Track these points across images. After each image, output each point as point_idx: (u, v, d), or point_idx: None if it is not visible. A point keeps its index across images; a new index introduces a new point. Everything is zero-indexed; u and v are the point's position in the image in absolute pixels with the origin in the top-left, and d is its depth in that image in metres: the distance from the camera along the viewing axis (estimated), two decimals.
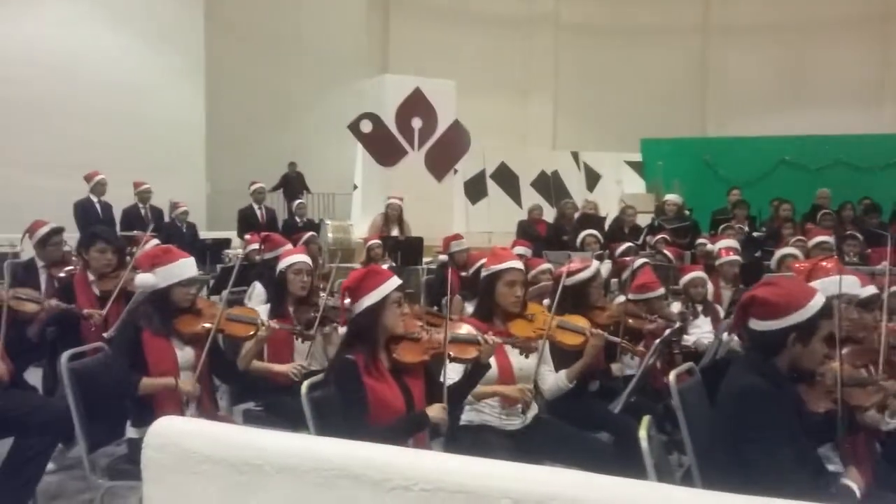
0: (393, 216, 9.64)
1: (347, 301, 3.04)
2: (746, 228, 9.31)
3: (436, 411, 2.80)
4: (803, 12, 17.24)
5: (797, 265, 3.44)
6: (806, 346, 2.44)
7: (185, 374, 3.29)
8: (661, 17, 18.18)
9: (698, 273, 5.19)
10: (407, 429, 2.80)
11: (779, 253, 5.63)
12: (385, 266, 5.05)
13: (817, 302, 2.45)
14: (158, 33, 13.01)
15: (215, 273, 7.26)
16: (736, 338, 3.61)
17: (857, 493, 2.35)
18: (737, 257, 5.92)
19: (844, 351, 2.88)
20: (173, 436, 1.80)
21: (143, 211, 9.84)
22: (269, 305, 4.13)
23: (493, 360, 3.18)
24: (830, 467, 2.76)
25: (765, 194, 11.08)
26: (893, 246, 4.26)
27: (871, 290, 3.48)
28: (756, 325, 2.49)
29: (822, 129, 14.83)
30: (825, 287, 2.92)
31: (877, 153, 13.55)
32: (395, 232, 9.50)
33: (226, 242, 9.26)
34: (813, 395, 2.57)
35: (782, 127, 15.57)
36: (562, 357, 3.60)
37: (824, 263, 3.13)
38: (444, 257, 7.48)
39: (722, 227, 8.86)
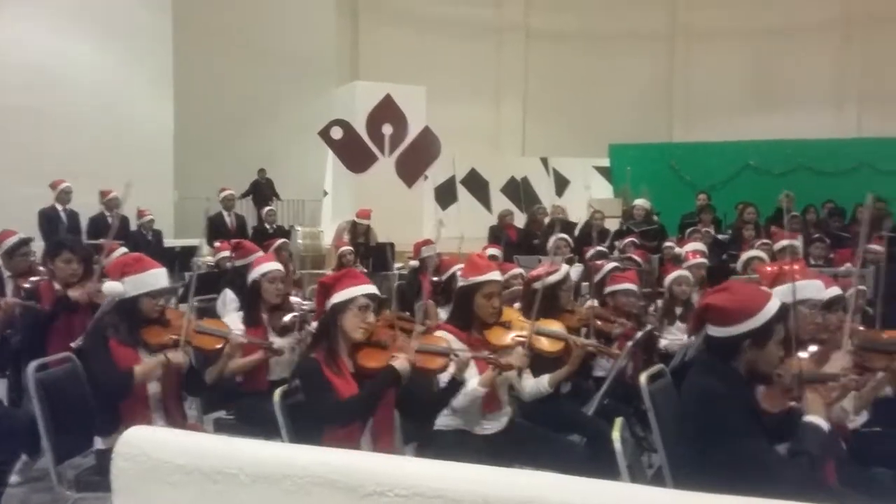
0: (361, 231, 9.65)
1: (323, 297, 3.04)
2: (712, 232, 9.44)
3: (402, 363, 2.82)
4: (767, 19, 17.55)
5: (763, 268, 3.50)
6: (762, 350, 2.46)
7: (152, 385, 3.24)
8: (629, 25, 18.38)
9: (682, 272, 5.23)
10: (376, 389, 2.81)
11: (745, 255, 5.72)
12: None
13: (772, 307, 2.47)
14: (126, 39, 12.83)
15: (184, 281, 7.18)
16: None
17: (824, 426, 2.35)
18: (703, 260, 6.00)
19: (810, 351, 2.93)
20: (143, 445, 1.78)
21: (110, 219, 9.70)
22: (241, 313, 4.10)
23: (474, 370, 3.18)
24: None
25: (730, 198, 11.24)
26: (854, 247, 4.35)
27: (835, 291, 3.54)
28: (712, 331, 2.52)
29: (785, 134, 15.10)
30: (787, 293, 2.97)
31: (839, 157, 13.83)
32: (360, 240, 9.50)
33: (194, 250, 9.16)
34: (771, 397, 2.60)
35: (747, 132, 15.82)
36: (537, 362, 3.61)
37: (789, 267, 3.18)
38: (415, 263, 7.48)
39: (689, 230, 8.98)
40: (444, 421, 3.31)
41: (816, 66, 17.63)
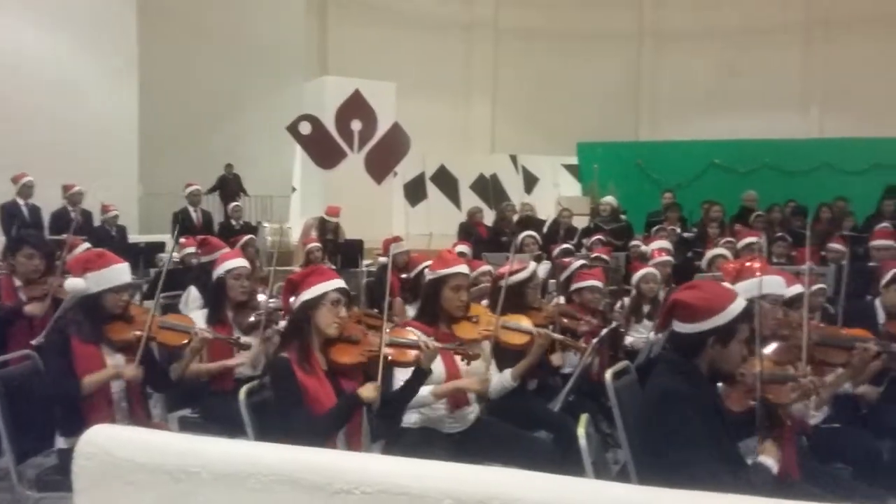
0: (330, 228, 9.60)
1: (292, 299, 3.01)
2: (678, 230, 9.56)
3: (368, 390, 2.79)
4: (733, 22, 17.80)
5: (726, 265, 3.55)
6: (725, 348, 2.50)
7: (115, 383, 3.20)
8: (597, 24, 18.52)
9: (650, 269, 5.29)
10: (341, 412, 2.79)
11: (710, 253, 5.80)
12: None
13: (737, 306, 2.51)
14: (89, 30, 12.62)
15: (148, 278, 7.09)
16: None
17: (774, 469, 2.40)
18: (669, 258, 6.07)
19: (771, 348, 2.98)
20: (105, 444, 1.75)
21: (72, 214, 9.53)
22: (205, 311, 4.05)
23: (440, 364, 3.19)
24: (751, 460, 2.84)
25: (695, 196, 11.38)
26: (814, 245, 4.43)
27: (797, 288, 3.60)
28: (678, 327, 2.56)
29: (750, 134, 15.34)
30: (750, 288, 3.02)
31: (802, 157, 14.08)
32: (328, 237, 9.45)
33: (160, 246, 9.06)
34: (733, 395, 2.64)
35: (712, 131, 16.03)
36: (503, 357, 3.64)
37: (750, 264, 3.24)
38: (384, 259, 7.47)
39: (655, 228, 9.08)
40: (410, 418, 3.32)
41: (780, 68, 17.94)
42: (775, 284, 3.15)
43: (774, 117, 17.21)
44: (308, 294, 2.87)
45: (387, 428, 3.09)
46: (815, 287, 4.17)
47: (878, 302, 4.14)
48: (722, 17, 17.88)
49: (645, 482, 2.52)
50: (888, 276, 4.06)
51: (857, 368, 3.18)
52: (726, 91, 18.04)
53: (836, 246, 7.32)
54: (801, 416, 3.06)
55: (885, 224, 8.71)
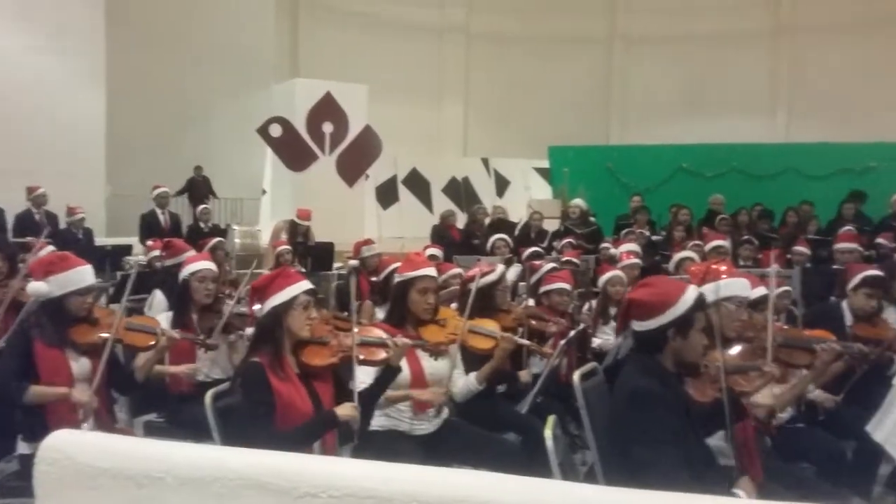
0: (300, 231, 9.53)
1: (256, 306, 2.98)
2: (647, 233, 9.65)
3: (346, 410, 2.78)
4: (701, 28, 18.05)
5: (692, 268, 3.60)
6: (686, 339, 2.56)
7: (80, 386, 3.16)
8: (568, 29, 18.67)
9: (616, 272, 5.33)
10: (316, 429, 2.77)
11: (677, 256, 5.87)
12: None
13: (690, 296, 2.57)
14: (57, 32, 12.39)
15: (115, 280, 6.99)
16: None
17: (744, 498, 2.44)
18: (637, 260, 6.12)
19: (736, 349, 3.03)
20: (68, 450, 1.73)
21: (37, 216, 9.38)
22: (170, 314, 4.00)
23: (404, 365, 3.18)
24: (724, 461, 2.88)
25: (664, 200, 11.48)
26: (780, 248, 4.51)
27: (761, 291, 3.65)
28: (638, 325, 2.61)
29: (717, 138, 15.52)
30: (715, 290, 3.06)
31: (769, 161, 14.25)
32: (299, 239, 9.38)
33: (127, 249, 8.94)
34: (699, 387, 2.69)
35: (681, 135, 16.21)
36: (471, 360, 3.64)
37: (716, 266, 3.28)
38: (354, 262, 7.44)
39: (624, 231, 9.15)
40: (378, 422, 3.31)
41: (748, 73, 18.22)
42: (740, 287, 3.20)
43: (742, 122, 17.48)
44: (278, 298, 2.84)
45: (354, 430, 3.08)
46: (780, 289, 4.22)
47: (844, 304, 4.21)
48: (691, 24, 18.12)
49: (612, 483, 2.54)
50: (856, 280, 4.13)
51: (819, 369, 3.24)
52: (695, 96, 18.28)
53: (800, 249, 7.44)
54: (765, 420, 3.11)
55: (848, 227, 8.88)
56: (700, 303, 2.60)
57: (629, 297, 2.66)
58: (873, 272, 4.21)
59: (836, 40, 17.47)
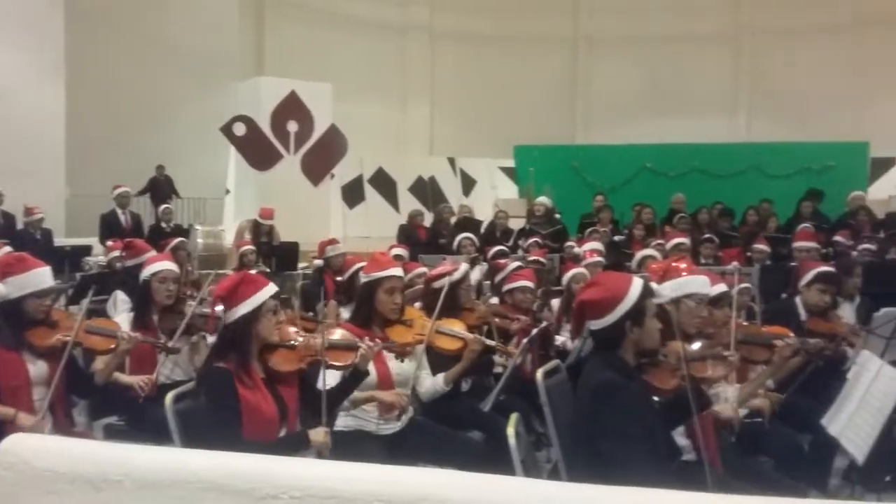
0: (264, 230, 9.45)
1: (219, 308, 2.94)
2: (610, 232, 9.75)
3: (318, 436, 2.76)
4: (664, 29, 18.28)
5: (653, 266, 3.65)
6: (642, 328, 2.61)
7: (38, 390, 3.10)
8: (533, 29, 18.78)
9: (580, 270, 5.37)
10: (284, 450, 2.72)
11: (639, 254, 5.93)
12: (255, 272, 4.93)
13: (637, 285, 2.63)
14: (15, 29, 12.12)
15: (74, 282, 6.86)
16: None
17: None
18: (600, 259, 6.18)
19: (696, 346, 3.07)
20: (25, 454, 1.71)
21: None
22: (132, 315, 3.95)
23: (371, 367, 3.18)
24: (688, 456, 2.92)
25: (628, 199, 11.61)
26: (740, 246, 4.60)
27: (721, 288, 3.71)
28: (594, 325, 2.64)
29: (681, 138, 15.75)
30: (675, 287, 3.11)
31: (730, 161, 14.51)
32: (263, 239, 9.29)
33: (86, 249, 8.78)
34: (660, 377, 2.73)
35: (645, 135, 16.43)
36: (438, 360, 3.65)
37: (676, 264, 3.33)
38: (319, 262, 7.41)
39: (588, 231, 9.24)
40: (344, 422, 3.30)
41: (710, 74, 18.51)
42: (699, 284, 3.24)
43: (704, 122, 17.75)
44: (246, 307, 2.78)
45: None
46: (740, 286, 4.30)
47: (798, 300, 4.31)
48: (653, 25, 18.35)
49: (576, 480, 2.57)
50: (809, 276, 4.23)
51: (777, 365, 3.30)
52: (658, 97, 18.52)
53: (760, 247, 7.58)
54: (726, 417, 3.17)
55: (806, 225, 9.07)
56: (647, 290, 2.66)
57: (580, 300, 2.70)
58: (825, 269, 4.32)
59: (795, 42, 17.84)
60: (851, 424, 2.82)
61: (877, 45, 17.01)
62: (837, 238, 8.52)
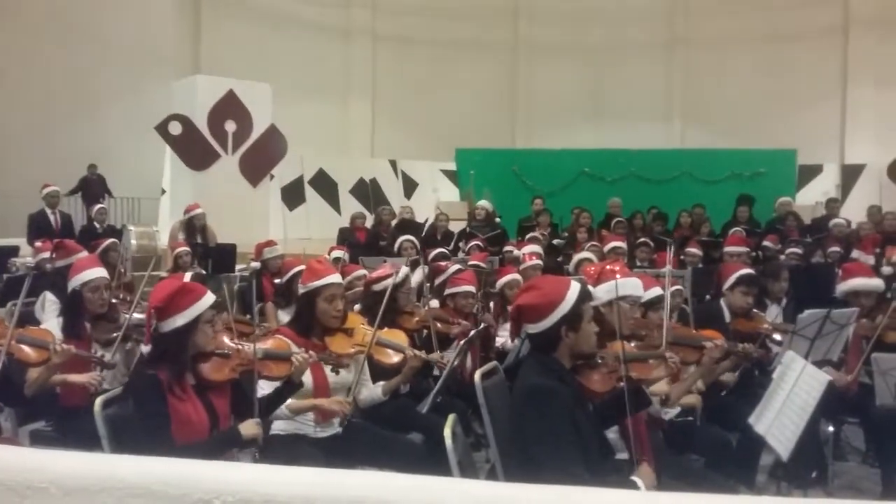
0: (198, 225, 9.24)
1: (154, 320, 2.84)
2: (549, 235, 9.87)
3: (248, 428, 2.72)
4: (601, 36, 18.64)
5: (588, 269, 3.71)
6: (578, 333, 2.64)
7: None
8: (473, 34, 18.91)
9: (514, 276, 5.43)
10: (218, 447, 2.70)
11: (576, 257, 6.03)
12: (190, 274, 4.83)
13: (574, 290, 2.66)
14: None
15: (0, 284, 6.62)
16: None
17: (642, 489, 2.52)
18: (539, 262, 6.26)
19: (630, 346, 3.13)
20: None
21: None
22: (62, 319, 3.80)
23: (307, 377, 3.14)
24: (622, 456, 2.97)
25: (566, 203, 11.78)
26: (675, 251, 4.72)
27: (656, 291, 3.80)
28: (531, 328, 2.68)
29: (618, 144, 16.06)
30: (609, 290, 3.17)
31: (665, 166, 14.85)
32: (197, 239, 9.09)
33: (13, 250, 8.47)
34: (596, 379, 2.78)
35: (583, 140, 16.70)
36: (378, 368, 3.65)
37: (610, 267, 3.39)
38: (256, 264, 7.31)
39: (528, 234, 9.33)
40: (280, 426, 3.27)
41: (646, 82, 18.93)
42: (632, 286, 3.32)
43: (640, 128, 18.14)
44: (182, 318, 2.71)
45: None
46: (672, 288, 4.41)
47: (722, 302, 4.45)
48: (591, 33, 18.70)
49: (512, 480, 2.59)
50: (731, 280, 4.39)
51: (707, 366, 3.40)
52: (597, 103, 18.86)
53: (693, 250, 7.78)
54: (656, 414, 3.24)
55: (738, 229, 9.35)
56: (585, 295, 2.69)
57: (517, 304, 2.72)
58: (746, 271, 4.49)
59: (728, 52, 18.38)
60: (777, 423, 2.91)
61: (805, 56, 17.69)
62: (766, 243, 8.81)
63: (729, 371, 3.94)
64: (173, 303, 2.73)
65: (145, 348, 3.41)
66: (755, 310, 4.43)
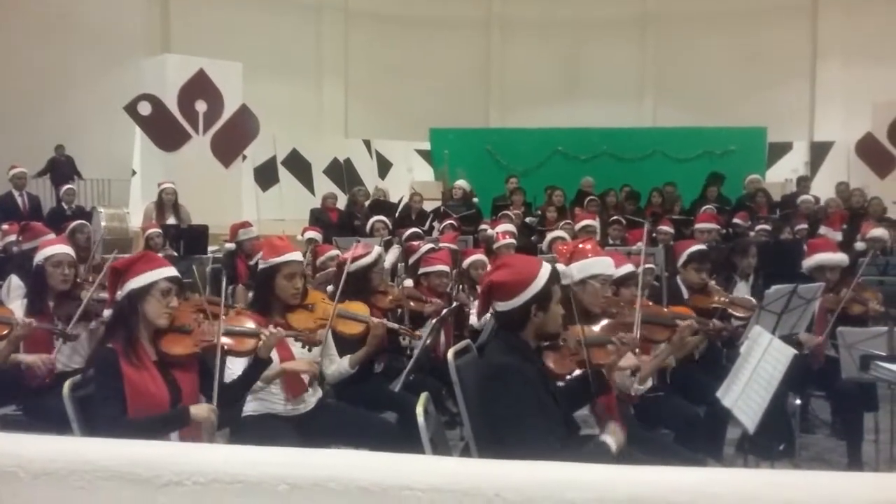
0: (168, 202, 9.13)
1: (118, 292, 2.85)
2: (522, 214, 9.91)
3: (201, 410, 2.71)
4: (573, 14, 18.57)
5: (560, 247, 3.74)
6: (546, 313, 2.66)
7: None
8: (448, 11, 18.76)
9: (479, 256, 5.46)
10: (164, 424, 2.69)
11: (549, 236, 6.06)
12: (161, 255, 4.79)
13: (545, 270, 2.67)
14: None
15: None
16: None
17: (613, 448, 2.56)
18: (512, 241, 6.30)
19: (601, 325, 3.17)
20: None
21: None
22: (25, 301, 3.77)
23: (274, 354, 3.14)
24: (588, 430, 3.02)
25: (540, 182, 11.81)
26: (648, 229, 4.76)
27: (628, 268, 3.84)
28: (500, 306, 2.68)
29: (591, 122, 16.09)
30: (582, 268, 3.20)
31: (637, 145, 14.92)
32: (171, 220, 9.00)
33: None
34: (558, 360, 2.81)
35: (556, 119, 16.69)
36: (344, 343, 3.65)
37: (582, 246, 3.42)
38: (231, 245, 7.26)
39: (501, 213, 9.36)
40: (251, 406, 3.26)
41: (618, 60, 18.93)
42: (603, 265, 3.35)
43: (613, 107, 18.16)
44: (135, 283, 2.73)
45: (227, 417, 3.02)
46: (644, 266, 4.46)
47: (679, 279, 4.52)
48: (563, 10, 18.62)
49: (485, 457, 2.62)
50: (683, 257, 4.47)
51: (677, 344, 3.45)
52: (570, 81, 18.84)
53: (664, 228, 7.86)
54: (625, 389, 3.29)
55: (709, 207, 9.45)
56: (555, 276, 2.71)
57: (489, 280, 2.73)
58: (696, 247, 4.55)
59: (699, 30, 18.42)
60: (744, 396, 2.96)
61: (775, 34, 17.79)
62: (736, 220, 8.92)
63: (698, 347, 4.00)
64: (132, 268, 2.77)
65: (107, 312, 3.41)
66: (712, 283, 4.50)
